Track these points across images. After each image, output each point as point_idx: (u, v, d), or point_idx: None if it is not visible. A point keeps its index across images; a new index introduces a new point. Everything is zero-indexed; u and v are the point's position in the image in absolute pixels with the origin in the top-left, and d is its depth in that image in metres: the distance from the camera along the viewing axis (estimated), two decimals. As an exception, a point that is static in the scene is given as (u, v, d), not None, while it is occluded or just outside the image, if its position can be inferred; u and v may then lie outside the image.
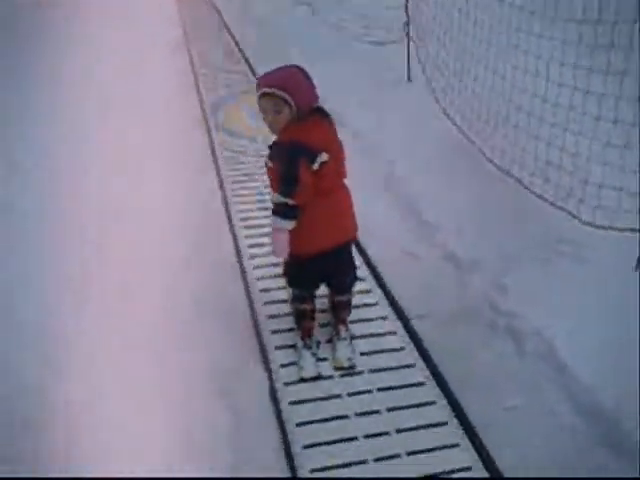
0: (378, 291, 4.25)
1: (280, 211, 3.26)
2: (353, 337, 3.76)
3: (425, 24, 6.86)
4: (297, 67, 3.36)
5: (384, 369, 3.57)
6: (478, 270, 4.25)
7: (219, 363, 3.56)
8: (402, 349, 3.72)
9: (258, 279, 4.36)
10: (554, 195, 4.47)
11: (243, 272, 4.46)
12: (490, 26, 5.32)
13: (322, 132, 3.32)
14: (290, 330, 3.85)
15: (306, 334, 3.71)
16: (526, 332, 3.66)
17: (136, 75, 8.13)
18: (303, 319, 3.73)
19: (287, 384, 3.48)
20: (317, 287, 3.72)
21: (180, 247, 4.58)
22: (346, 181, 3.55)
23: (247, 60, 9.53)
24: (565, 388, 3.32)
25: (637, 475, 2.73)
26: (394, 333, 3.86)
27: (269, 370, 3.58)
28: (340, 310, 3.77)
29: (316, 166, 3.22)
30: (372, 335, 3.84)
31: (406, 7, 7.28)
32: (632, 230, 3.88)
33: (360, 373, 3.55)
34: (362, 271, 4.40)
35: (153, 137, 6.40)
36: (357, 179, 5.37)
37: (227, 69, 9.20)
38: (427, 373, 3.53)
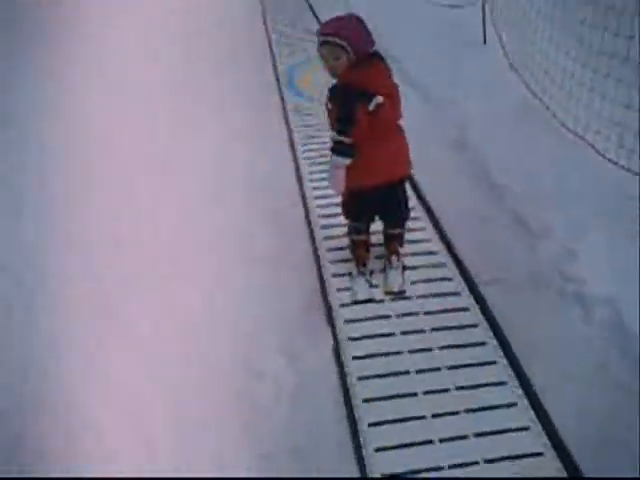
0: (445, 252, 4.26)
1: (338, 149, 3.52)
2: (405, 267, 4.02)
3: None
4: (353, 15, 3.63)
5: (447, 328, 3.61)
6: (548, 235, 4.20)
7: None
8: (466, 310, 3.74)
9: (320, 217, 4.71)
10: (628, 161, 4.35)
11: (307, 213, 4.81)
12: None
13: (378, 76, 3.55)
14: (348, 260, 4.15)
15: (361, 262, 4.04)
16: (594, 300, 3.61)
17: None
18: (358, 249, 4.09)
19: (342, 305, 3.82)
20: (372, 220, 4.04)
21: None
22: (401, 122, 3.79)
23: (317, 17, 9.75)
24: (632, 359, 3.28)
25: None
26: (459, 294, 3.87)
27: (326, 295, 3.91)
28: (392, 242, 4.08)
29: (372, 107, 3.44)
30: (436, 295, 3.87)
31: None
32: None
33: (422, 332, 3.60)
34: (429, 232, 4.46)
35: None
36: (428, 138, 5.44)
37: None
38: (490, 334, 3.54)
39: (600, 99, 4.68)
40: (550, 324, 3.58)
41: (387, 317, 3.70)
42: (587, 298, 3.65)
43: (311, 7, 10.52)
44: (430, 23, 8.33)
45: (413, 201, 4.75)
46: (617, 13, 4.60)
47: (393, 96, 3.58)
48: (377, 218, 4.07)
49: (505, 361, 3.35)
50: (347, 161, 3.52)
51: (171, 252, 4.26)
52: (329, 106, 3.59)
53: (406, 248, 4.21)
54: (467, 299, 3.81)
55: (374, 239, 4.20)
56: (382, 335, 3.57)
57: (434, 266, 4.13)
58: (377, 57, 3.62)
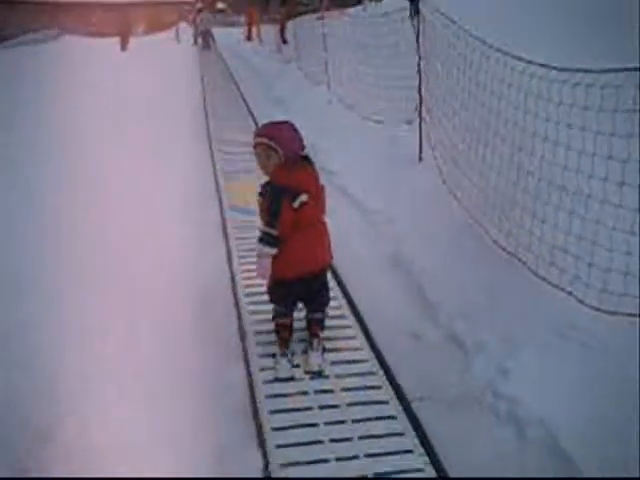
0: (381, 372, 4.17)
1: (264, 239, 3.98)
2: (325, 349, 4.28)
3: (435, 106, 6.93)
4: (287, 122, 4.22)
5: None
6: (481, 353, 4.17)
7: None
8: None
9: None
10: (559, 279, 4.39)
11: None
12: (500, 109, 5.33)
13: (304, 176, 4.05)
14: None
15: (284, 344, 4.28)
16: (527, 420, 3.55)
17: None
18: (281, 331, 4.33)
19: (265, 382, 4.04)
20: (295, 305, 4.35)
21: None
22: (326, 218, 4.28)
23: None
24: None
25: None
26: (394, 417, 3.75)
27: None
28: (314, 325, 4.33)
29: (296, 204, 3.93)
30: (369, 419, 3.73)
31: (419, 88, 7.37)
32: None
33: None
34: (365, 353, 4.39)
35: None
36: (364, 255, 5.45)
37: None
38: (426, 459, 3.42)
39: (532, 219, 4.73)
40: (481, 444, 3.48)
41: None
42: (520, 418, 3.58)
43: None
44: (368, 140, 8.55)
45: (350, 320, 4.77)
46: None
47: (317, 195, 4.09)
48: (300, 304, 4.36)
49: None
50: (273, 251, 3.97)
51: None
52: (260, 201, 4.06)
53: (340, 367, 4.19)
54: (401, 420, 3.71)
55: (297, 325, 4.43)
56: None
57: (368, 388, 4.02)
58: (306, 160, 4.12)
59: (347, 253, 5.79)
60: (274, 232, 3.93)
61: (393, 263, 5.62)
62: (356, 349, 4.41)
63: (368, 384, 4.01)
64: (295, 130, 4.11)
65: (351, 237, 6.17)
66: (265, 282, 4.30)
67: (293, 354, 4.25)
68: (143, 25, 32.80)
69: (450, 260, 5.28)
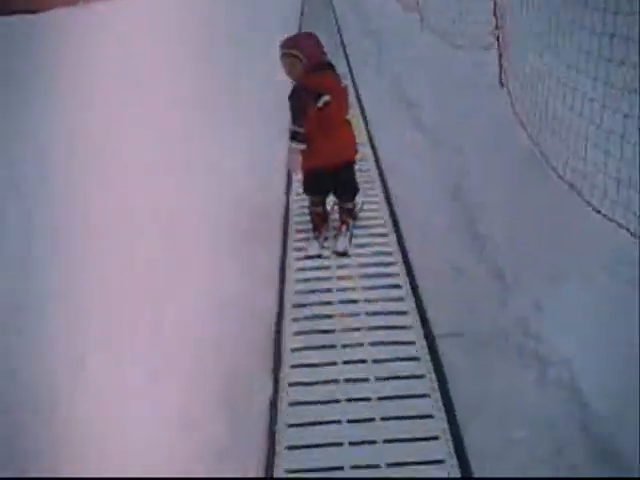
0: (411, 300, 4.12)
1: (293, 136, 4.37)
2: (352, 235, 4.88)
3: (508, 33, 6.57)
4: (309, 33, 4.73)
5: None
6: (519, 289, 3.97)
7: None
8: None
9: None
10: (613, 211, 4.10)
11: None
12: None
13: (326, 80, 4.46)
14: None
15: (317, 229, 4.93)
16: (551, 360, 3.36)
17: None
18: (315, 219, 4.95)
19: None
20: (326, 194, 4.92)
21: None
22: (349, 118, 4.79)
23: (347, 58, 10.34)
24: (580, 421, 3.03)
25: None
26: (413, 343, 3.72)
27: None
28: (342, 213, 4.93)
29: (320, 104, 4.35)
30: (390, 343, 3.72)
31: (494, 12, 6.99)
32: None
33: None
34: (401, 277, 4.37)
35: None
36: (424, 187, 5.28)
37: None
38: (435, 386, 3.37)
39: (598, 152, 4.41)
40: (501, 383, 3.34)
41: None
42: (544, 357, 3.39)
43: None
44: (452, 67, 8.23)
45: (393, 246, 4.77)
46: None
47: (340, 96, 4.55)
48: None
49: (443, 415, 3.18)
50: (301, 146, 4.38)
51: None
52: (288, 104, 4.38)
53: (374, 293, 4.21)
54: (421, 350, 3.65)
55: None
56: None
57: (396, 313, 4.00)
58: (327, 65, 4.57)
59: (408, 184, 5.68)
60: (301, 129, 4.33)
61: (452, 197, 5.39)
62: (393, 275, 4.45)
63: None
64: (317, 40, 4.58)
65: (415, 169, 5.99)
66: (297, 175, 5.07)
67: (326, 239, 4.89)
68: None
69: (509, 193, 5.02)
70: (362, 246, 4.84)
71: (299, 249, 4.83)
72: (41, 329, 3.79)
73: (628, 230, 3.95)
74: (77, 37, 11.14)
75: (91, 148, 6.26)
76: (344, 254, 4.69)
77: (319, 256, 4.71)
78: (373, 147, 6.49)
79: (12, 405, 3.29)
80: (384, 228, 5.04)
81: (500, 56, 7.10)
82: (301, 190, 5.12)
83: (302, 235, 5.01)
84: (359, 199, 5.12)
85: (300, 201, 5.48)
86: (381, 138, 6.73)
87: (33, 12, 15.25)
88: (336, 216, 5.03)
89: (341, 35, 12.68)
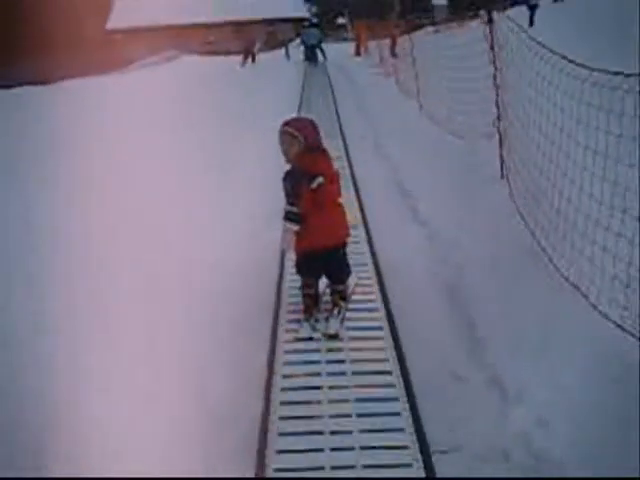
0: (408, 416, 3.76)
1: (288, 216, 4.53)
2: (344, 319, 4.78)
3: (510, 123, 6.46)
4: (309, 118, 5.03)
5: None
6: (521, 400, 3.71)
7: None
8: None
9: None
10: (620, 315, 3.88)
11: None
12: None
13: (320, 162, 4.65)
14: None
15: (308, 311, 4.84)
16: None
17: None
18: (307, 300, 4.87)
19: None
20: (319, 276, 4.90)
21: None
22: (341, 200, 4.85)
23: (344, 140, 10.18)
24: None
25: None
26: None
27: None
28: (335, 296, 4.89)
29: (314, 185, 4.50)
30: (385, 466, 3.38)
31: (496, 101, 6.92)
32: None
33: None
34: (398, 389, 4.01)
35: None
36: (421, 284, 5.07)
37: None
38: None
39: (602, 252, 4.21)
40: None
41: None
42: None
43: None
44: (450, 156, 8.18)
45: (389, 351, 4.42)
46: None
47: (332, 179, 4.66)
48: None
49: None
50: (295, 227, 4.53)
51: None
52: (282, 185, 4.56)
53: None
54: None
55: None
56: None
57: (392, 430, 3.65)
58: (322, 149, 4.76)
59: (404, 281, 5.46)
60: (296, 210, 4.49)
61: (449, 295, 5.19)
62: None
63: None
64: (315, 125, 4.80)
65: (412, 265, 5.78)
66: (290, 254, 5.15)
67: (317, 320, 4.80)
68: (258, 42, 33.41)
69: (509, 293, 4.82)
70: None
71: (290, 331, 4.76)
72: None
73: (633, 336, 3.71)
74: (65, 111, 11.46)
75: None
76: (335, 336, 4.64)
77: (310, 338, 4.66)
78: (370, 242, 6.27)
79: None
80: (380, 331, 4.73)
81: (501, 147, 6.99)
82: (294, 270, 5.08)
83: (294, 316, 4.93)
84: (351, 281, 5.13)
85: (293, 281, 5.37)
86: (376, 229, 6.53)
87: (41, 83, 15.54)
88: (328, 298, 4.96)
89: (339, 118, 12.65)
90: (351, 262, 5.04)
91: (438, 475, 3.28)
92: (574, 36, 7.34)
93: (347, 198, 6.06)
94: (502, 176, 6.98)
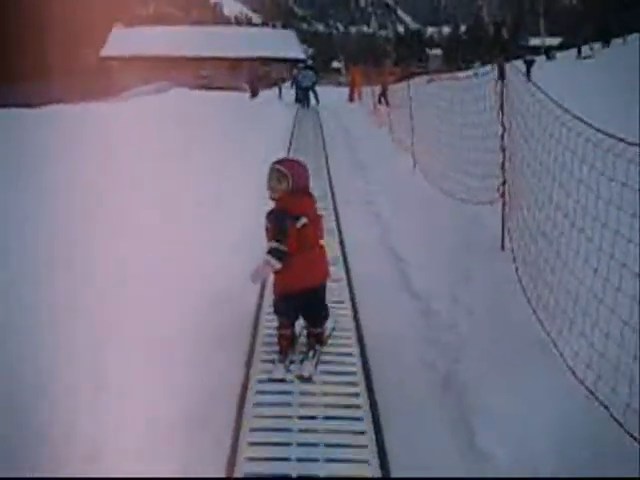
0: None
1: (273, 253, 4.49)
2: (319, 362, 4.83)
3: (517, 189, 5.88)
4: (300, 160, 5.09)
5: None
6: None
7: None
8: None
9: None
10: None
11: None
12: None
13: (305, 205, 4.77)
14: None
15: (283, 351, 4.91)
16: None
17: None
18: (282, 340, 4.95)
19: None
20: (295, 318, 4.97)
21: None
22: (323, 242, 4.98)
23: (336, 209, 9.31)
24: None
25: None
26: None
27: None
28: (311, 338, 4.98)
29: (299, 225, 4.60)
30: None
31: (502, 165, 6.34)
32: None
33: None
34: None
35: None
36: (415, 373, 4.49)
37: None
38: None
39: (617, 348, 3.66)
40: None
41: None
42: None
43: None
44: (446, 221, 7.57)
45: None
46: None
47: (315, 222, 4.80)
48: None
49: None
50: (278, 265, 4.50)
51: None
52: (267, 226, 4.66)
53: None
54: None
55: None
56: None
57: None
58: (307, 193, 4.86)
59: (396, 368, 4.83)
60: (283, 247, 4.50)
61: (443, 386, 4.58)
62: None
63: None
64: (305, 168, 4.92)
65: (405, 346, 5.18)
66: (256, 284, 5.21)
67: (292, 362, 4.84)
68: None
69: (510, 384, 4.27)
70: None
71: (264, 371, 4.76)
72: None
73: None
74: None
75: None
76: (309, 379, 4.67)
77: (283, 380, 4.67)
78: (356, 318, 5.65)
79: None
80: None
81: (503, 215, 6.42)
82: (272, 310, 5.09)
83: (268, 357, 4.92)
84: (329, 324, 5.19)
85: (270, 321, 5.34)
86: (365, 303, 5.91)
87: (30, 106, 15.49)
88: (304, 340, 5.04)
89: (329, 172, 11.97)
90: (335, 341, 5.07)
91: None
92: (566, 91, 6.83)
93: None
94: (502, 247, 6.41)
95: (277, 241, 4.49)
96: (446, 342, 5.09)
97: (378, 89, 20.82)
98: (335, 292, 5.91)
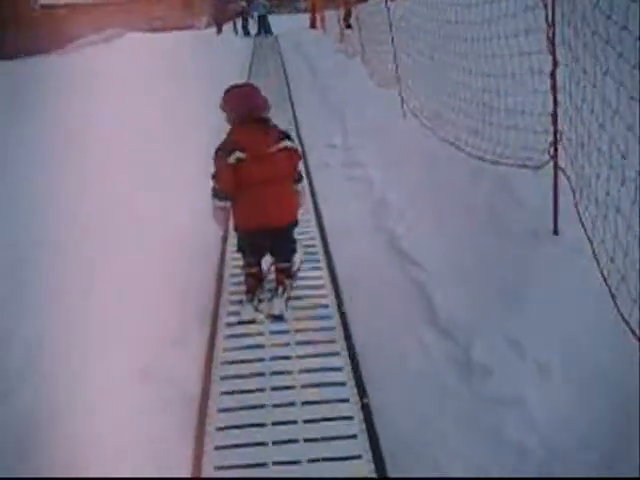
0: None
1: (212, 193, 4.39)
2: (289, 298, 4.56)
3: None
4: (246, 85, 4.82)
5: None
6: None
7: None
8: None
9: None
10: None
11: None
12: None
13: (247, 135, 4.28)
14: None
15: (250, 291, 4.62)
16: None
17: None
18: (249, 279, 4.67)
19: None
20: (260, 256, 4.70)
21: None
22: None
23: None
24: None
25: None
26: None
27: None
28: (279, 274, 4.67)
29: (231, 160, 4.21)
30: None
31: (554, 117, 4.20)
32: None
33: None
34: None
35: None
36: None
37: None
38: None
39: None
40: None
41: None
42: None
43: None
44: (462, 190, 5.46)
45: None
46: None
47: (265, 156, 4.26)
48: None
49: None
50: (221, 203, 4.37)
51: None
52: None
53: None
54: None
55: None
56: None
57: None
58: (263, 122, 4.36)
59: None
60: (217, 185, 4.31)
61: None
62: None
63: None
64: (251, 95, 4.39)
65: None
66: (221, 232, 5.07)
67: (260, 301, 4.54)
68: (205, 17, 31.05)
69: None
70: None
71: (232, 313, 4.50)
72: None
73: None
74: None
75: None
76: (280, 317, 4.40)
77: (252, 321, 4.39)
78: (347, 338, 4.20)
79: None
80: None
81: (556, 186, 4.32)
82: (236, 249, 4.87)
83: (235, 297, 4.69)
84: (297, 258, 4.89)
85: (236, 260, 5.06)
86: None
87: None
88: (272, 276, 4.73)
89: (297, 126, 9.58)
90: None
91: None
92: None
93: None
94: (555, 231, 4.33)
95: (213, 178, 4.30)
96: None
97: (341, 11, 18.30)
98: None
